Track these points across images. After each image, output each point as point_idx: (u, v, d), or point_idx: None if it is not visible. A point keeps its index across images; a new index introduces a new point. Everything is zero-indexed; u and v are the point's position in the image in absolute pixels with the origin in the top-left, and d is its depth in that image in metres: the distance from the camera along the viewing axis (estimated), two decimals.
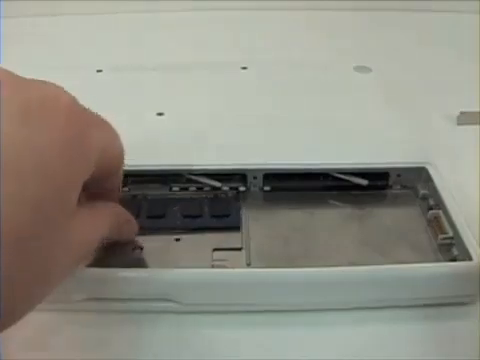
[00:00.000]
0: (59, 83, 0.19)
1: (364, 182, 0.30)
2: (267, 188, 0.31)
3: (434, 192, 0.29)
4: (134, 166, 0.30)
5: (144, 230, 0.27)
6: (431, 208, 0.29)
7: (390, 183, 0.31)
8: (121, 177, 0.24)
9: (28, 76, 0.20)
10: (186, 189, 0.31)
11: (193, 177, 0.30)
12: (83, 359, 0.24)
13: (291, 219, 0.29)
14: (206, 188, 0.30)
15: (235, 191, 0.30)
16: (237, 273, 0.25)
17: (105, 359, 0.24)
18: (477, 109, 0.37)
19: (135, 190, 0.30)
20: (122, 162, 0.23)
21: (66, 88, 0.19)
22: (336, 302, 0.26)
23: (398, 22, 0.54)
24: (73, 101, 0.20)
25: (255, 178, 0.30)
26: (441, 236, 0.27)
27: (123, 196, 0.26)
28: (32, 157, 0.17)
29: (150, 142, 0.32)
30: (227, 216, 0.28)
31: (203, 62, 0.44)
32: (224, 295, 0.25)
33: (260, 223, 0.29)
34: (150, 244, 0.27)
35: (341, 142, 0.33)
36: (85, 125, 0.20)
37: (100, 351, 0.25)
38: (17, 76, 0.19)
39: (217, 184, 0.30)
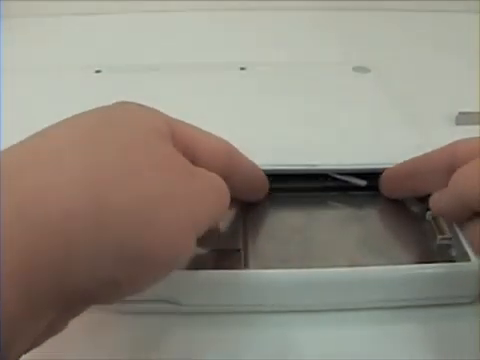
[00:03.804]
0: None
1: (363, 183, 0.30)
2: None
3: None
4: None
5: None
6: (430, 208, 0.29)
7: None
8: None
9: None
10: None
11: None
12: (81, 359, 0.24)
13: (290, 220, 0.29)
14: None
15: None
16: (236, 274, 0.25)
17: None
18: (476, 109, 0.37)
19: None
20: (224, 159, 0.23)
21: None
22: (335, 303, 0.26)
23: (398, 22, 0.54)
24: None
25: None
26: (440, 237, 0.27)
27: None
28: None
29: None
30: None
31: (202, 62, 0.44)
32: (223, 296, 0.25)
33: (259, 224, 0.29)
34: None
35: (340, 142, 0.33)
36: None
37: (100, 352, 0.25)
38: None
39: None
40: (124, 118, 0.21)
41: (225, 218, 0.28)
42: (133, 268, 0.18)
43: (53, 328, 0.18)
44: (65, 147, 0.18)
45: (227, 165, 0.24)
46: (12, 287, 0.15)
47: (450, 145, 0.26)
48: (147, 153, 0.20)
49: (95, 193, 0.17)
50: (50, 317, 0.17)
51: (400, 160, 0.30)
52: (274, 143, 0.32)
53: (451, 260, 0.26)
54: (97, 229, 0.17)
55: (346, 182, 0.30)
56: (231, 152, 0.24)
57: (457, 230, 0.27)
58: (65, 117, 0.21)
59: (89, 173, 0.18)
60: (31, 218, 0.16)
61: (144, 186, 0.19)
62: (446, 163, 0.25)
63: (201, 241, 0.21)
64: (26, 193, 0.16)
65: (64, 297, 0.17)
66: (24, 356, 0.24)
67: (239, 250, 0.27)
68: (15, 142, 0.19)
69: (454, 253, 0.27)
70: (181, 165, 0.21)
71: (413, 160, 0.28)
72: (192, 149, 0.22)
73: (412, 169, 0.28)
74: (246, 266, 0.26)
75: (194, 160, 0.22)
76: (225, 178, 0.23)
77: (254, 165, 0.27)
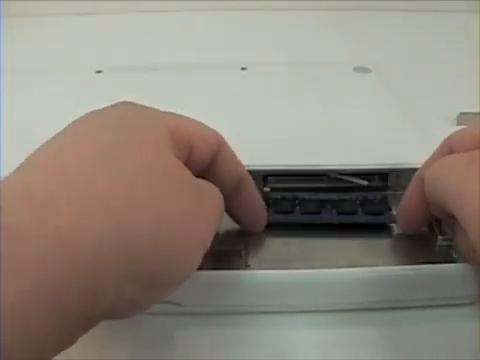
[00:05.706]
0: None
1: (364, 183, 0.30)
2: (267, 189, 0.31)
3: None
4: None
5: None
6: None
7: (389, 184, 0.31)
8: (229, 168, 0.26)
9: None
10: None
11: None
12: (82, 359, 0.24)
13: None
14: None
15: None
16: (236, 275, 0.25)
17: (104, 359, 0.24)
18: (477, 110, 0.37)
19: None
20: (214, 145, 0.24)
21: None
22: (336, 303, 0.26)
23: (398, 22, 0.54)
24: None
25: (255, 179, 0.30)
26: (440, 237, 0.27)
27: None
28: None
29: None
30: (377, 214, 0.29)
31: (203, 62, 0.44)
32: (224, 297, 0.25)
33: None
34: None
35: (341, 143, 0.33)
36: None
37: (100, 352, 0.25)
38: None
39: None
40: (129, 129, 0.21)
41: (226, 219, 0.28)
42: (152, 288, 0.19)
43: (70, 341, 0.18)
44: (89, 168, 0.19)
45: (216, 151, 0.25)
46: (42, 315, 0.16)
47: (445, 141, 0.26)
48: (158, 172, 0.20)
49: (122, 218, 0.18)
50: (73, 335, 0.18)
51: (401, 160, 0.30)
52: (275, 143, 0.32)
53: (452, 261, 0.26)
54: (124, 254, 0.18)
55: (347, 182, 0.30)
56: (220, 141, 0.25)
57: None
58: (66, 117, 0.21)
59: (114, 198, 0.18)
60: (65, 246, 0.17)
61: (159, 208, 0.19)
62: None
63: None
64: (61, 223, 0.17)
65: (90, 319, 0.18)
66: None
67: (240, 251, 0.27)
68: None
69: (455, 254, 0.27)
70: (187, 178, 0.21)
71: (417, 175, 0.27)
72: (188, 140, 0.23)
73: (421, 183, 0.26)
74: (247, 267, 0.26)
75: (190, 150, 0.23)
76: (212, 163, 0.24)
77: (237, 158, 0.27)
